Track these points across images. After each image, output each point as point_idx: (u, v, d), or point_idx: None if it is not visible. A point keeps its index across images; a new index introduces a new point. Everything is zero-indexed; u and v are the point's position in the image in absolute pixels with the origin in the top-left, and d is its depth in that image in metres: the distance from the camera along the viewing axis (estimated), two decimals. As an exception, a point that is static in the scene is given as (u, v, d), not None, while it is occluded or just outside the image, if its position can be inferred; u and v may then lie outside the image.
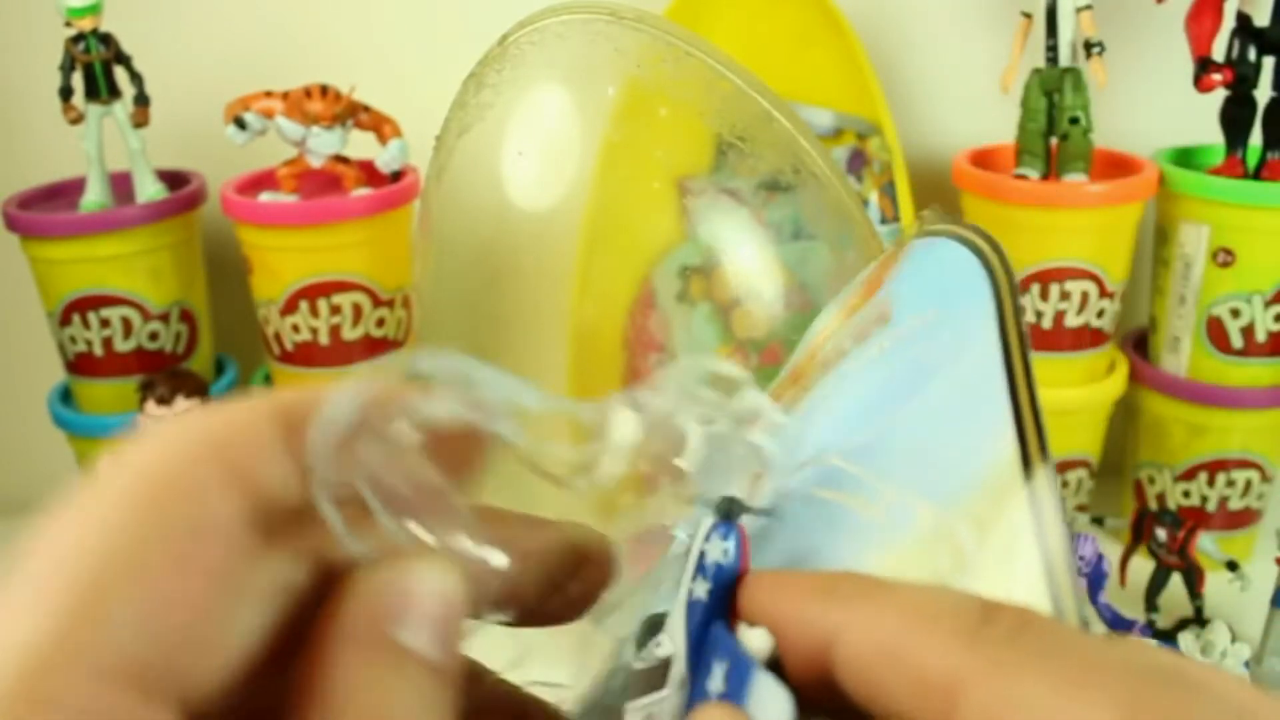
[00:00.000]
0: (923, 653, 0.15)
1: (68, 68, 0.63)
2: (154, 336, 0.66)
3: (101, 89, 0.64)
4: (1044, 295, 0.62)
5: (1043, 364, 0.63)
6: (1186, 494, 0.66)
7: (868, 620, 0.16)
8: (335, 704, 0.15)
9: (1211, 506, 0.65)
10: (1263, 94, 0.61)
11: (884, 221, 0.66)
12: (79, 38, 0.63)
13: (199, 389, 0.62)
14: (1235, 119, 0.62)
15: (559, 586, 0.19)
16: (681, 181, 0.46)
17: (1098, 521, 0.67)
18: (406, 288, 0.67)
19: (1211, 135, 0.63)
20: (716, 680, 0.17)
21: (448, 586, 0.17)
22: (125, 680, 0.14)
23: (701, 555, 0.19)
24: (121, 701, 0.13)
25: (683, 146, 0.46)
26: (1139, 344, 0.69)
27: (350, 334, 0.65)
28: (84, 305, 0.65)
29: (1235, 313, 0.62)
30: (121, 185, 0.66)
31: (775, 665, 0.17)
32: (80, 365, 0.66)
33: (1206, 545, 0.58)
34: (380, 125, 0.65)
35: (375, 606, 0.16)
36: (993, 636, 0.15)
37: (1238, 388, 0.63)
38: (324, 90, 0.63)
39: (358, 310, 0.65)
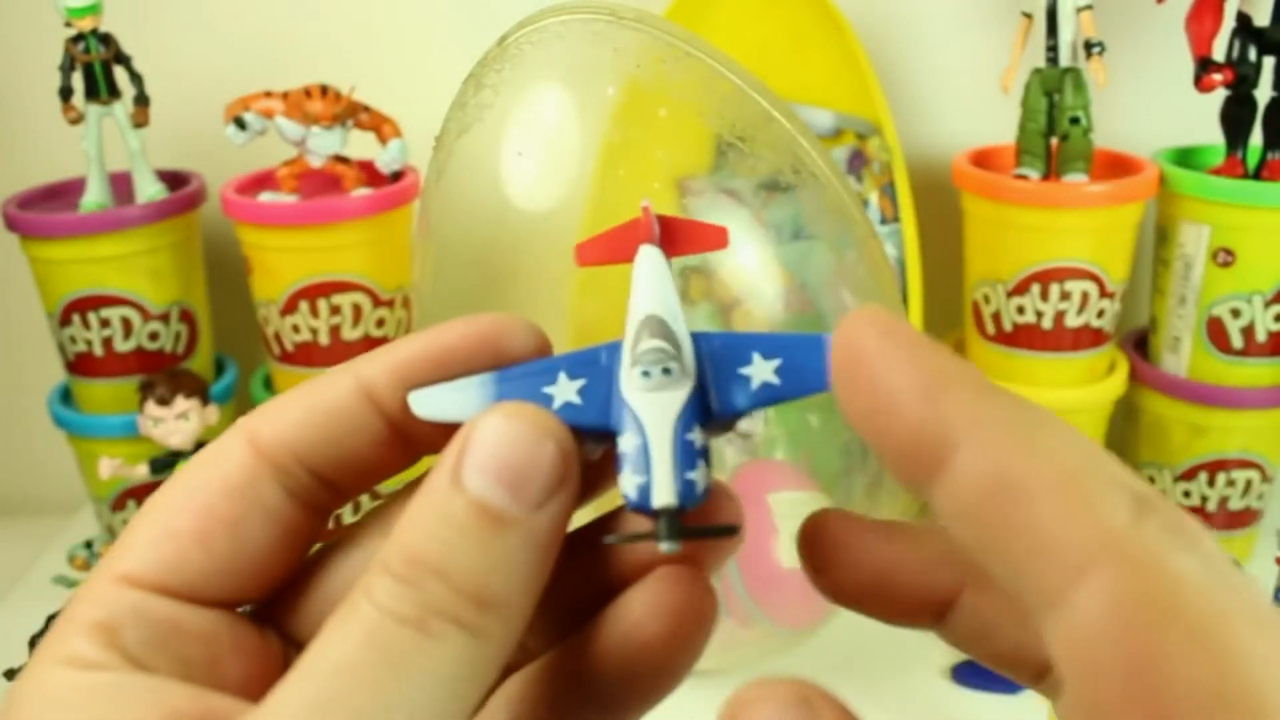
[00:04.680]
0: (1060, 525, 0.14)
1: (68, 68, 0.63)
2: (154, 336, 0.66)
3: (101, 89, 0.64)
4: (1044, 295, 0.62)
5: (1043, 364, 0.63)
6: (1187, 494, 0.66)
7: (998, 451, 0.14)
8: (389, 541, 0.16)
9: (1212, 506, 0.65)
10: (1263, 94, 0.61)
11: (884, 221, 0.66)
12: (79, 38, 0.63)
13: (199, 389, 0.62)
14: (1235, 119, 0.62)
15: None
16: (681, 181, 0.46)
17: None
18: (406, 288, 0.66)
19: (1211, 135, 0.63)
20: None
21: (512, 428, 0.16)
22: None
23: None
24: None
25: (683, 146, 0.46)
26: (1139, 344, 0.69)
27: (350, 334, 0.65)
28: (84, 305, 0.65)
29: (1235, 313, 0.62)
30: (121, 185, 0.66)
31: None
32: (80, 365, 0.66)
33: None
34: (380, 125, 0.65)
35: (451, 451, 0.16)
36: (1144, 536, 0.14)
37: (1238, 388, 0.63)
38: (324, 90, 0.63)
39: (358, 310, 0.65)
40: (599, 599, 0.19)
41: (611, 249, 0.21)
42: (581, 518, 0.20)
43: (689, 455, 0.17)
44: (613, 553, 0.19)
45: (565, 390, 0.18)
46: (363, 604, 0.15)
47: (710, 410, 0.18)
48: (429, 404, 0.18)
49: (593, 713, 0.19)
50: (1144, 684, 0.13)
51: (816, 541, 0.19)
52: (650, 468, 0.17)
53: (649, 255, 0.20)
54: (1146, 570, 0.13)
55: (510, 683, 0.20)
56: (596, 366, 0.18)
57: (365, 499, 0.59)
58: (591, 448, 0.19)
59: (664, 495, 0.17)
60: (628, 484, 0.17)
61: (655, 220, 0.20)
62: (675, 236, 0.21)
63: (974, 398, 0.15)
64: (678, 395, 0.18)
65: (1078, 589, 0.13)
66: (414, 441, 0.19)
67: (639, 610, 0.18)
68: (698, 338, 0.18)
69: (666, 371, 0.18)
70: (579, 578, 0.19)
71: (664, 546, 0.17)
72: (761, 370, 0.18)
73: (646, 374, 0.18)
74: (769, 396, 0.18)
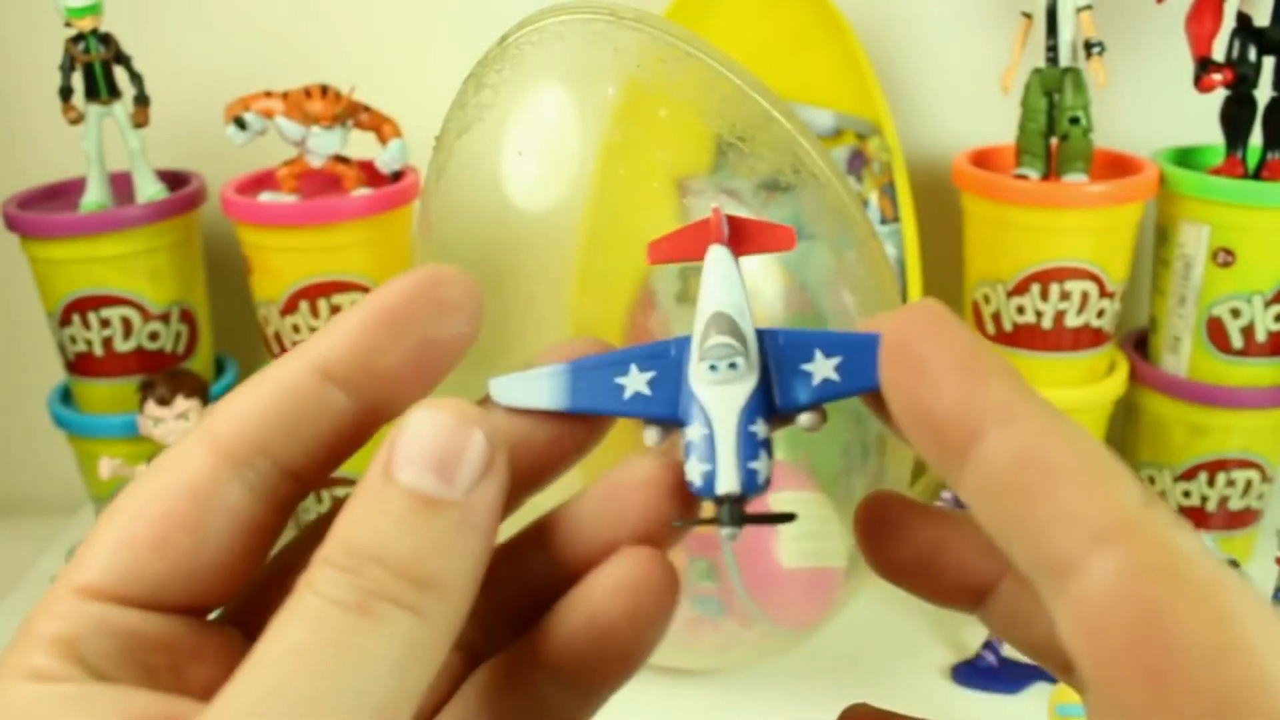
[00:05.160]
0: (1081, 499, 0.15)
1: (68, 68, 0.63)
2: (154, 336, 0.66)
3: (101, 89, 0.64)
4: (1044, 295, 0.62)
5: (1043, 364, 0.63)
6: (1187, 494, 0.66)
7: (1028, 435, 0.16)
8: (327, 538, 0.16)
9: (1212, 506, 0.65)
10: (1263, 94, 0.61)
11: (884, 221, 0.66)
12: (79, 38, 0.63)
13: (199, 389, 0.62)
14: (1235, 119, 0.62)
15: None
16: (681, 181, 0.46)
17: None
18: (406, 288, 0.66)
19: (1211, 135, 0.63)
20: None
21: (436, 420, 0.17)
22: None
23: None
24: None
25: (683, 146, 0.46)
26: (1139, 344, 0.69)
27: (350, 334, 0.65)
28: (84, 305, 0.65)
29: (1235, 313, 0.62)
30: (121, 185, 0.66)
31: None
32: (80, 365, 0.66)
33: (1207, 545, 0.58)
34: (380, 125, 0.65)
35: (382, 451, 0.17)
36: (1155, 519, 0.15)
37: (1238, 388, 0.63)
38: (324, 90, 0.63)
39: (358, 310, 0.65)
40: (562, 586, 0.19)
41: (682, 247, 0.22)
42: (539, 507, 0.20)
43: (752, 446, 0.18)
44: (575, 540, 0.20)
45: (636, 381, 0.19)
46: (305, 595, 0.16)
47: (773, 404, 0.19)
48: (510, 393, 0.20)
49: (562, 695, 0.19)
50: (1150, 636, 0.14)
51: (872, 518, 0.20)
52: (715, 457, 0.18)
53: (718, 254, 0.21)
54: (1158, 543, 0.15)
55: (480, 671, 0.20)
56: (666, 359, 0.19)
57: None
58: (658, 438, 0.20)
59: (728, 483, 0.18)
60: (694, 471, 0.19)
61: (725, 220, 0.21)
62: (743, 236, 0.21)
63: (1011, 387, 0.16)
64: (743, 389, 0.19)
65: (1092, 556, 0.14)
66: (375, 411, 0.19)
67: (602, 591, 0.19)
68: (763, 334, 0.19)
69: (732, 366, 0.19)
70: (541, 566, 0.20)
71: (725, 532, 0.18)
72: (823, 367, 0.19)
73: (713, 368, 0.19)
74: (829, 392, 0.19)
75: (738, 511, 0.18)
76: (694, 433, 0.19)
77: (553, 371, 0.19)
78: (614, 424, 0.20)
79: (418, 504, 0.16)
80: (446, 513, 0.16)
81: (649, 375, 0.19)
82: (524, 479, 0.20)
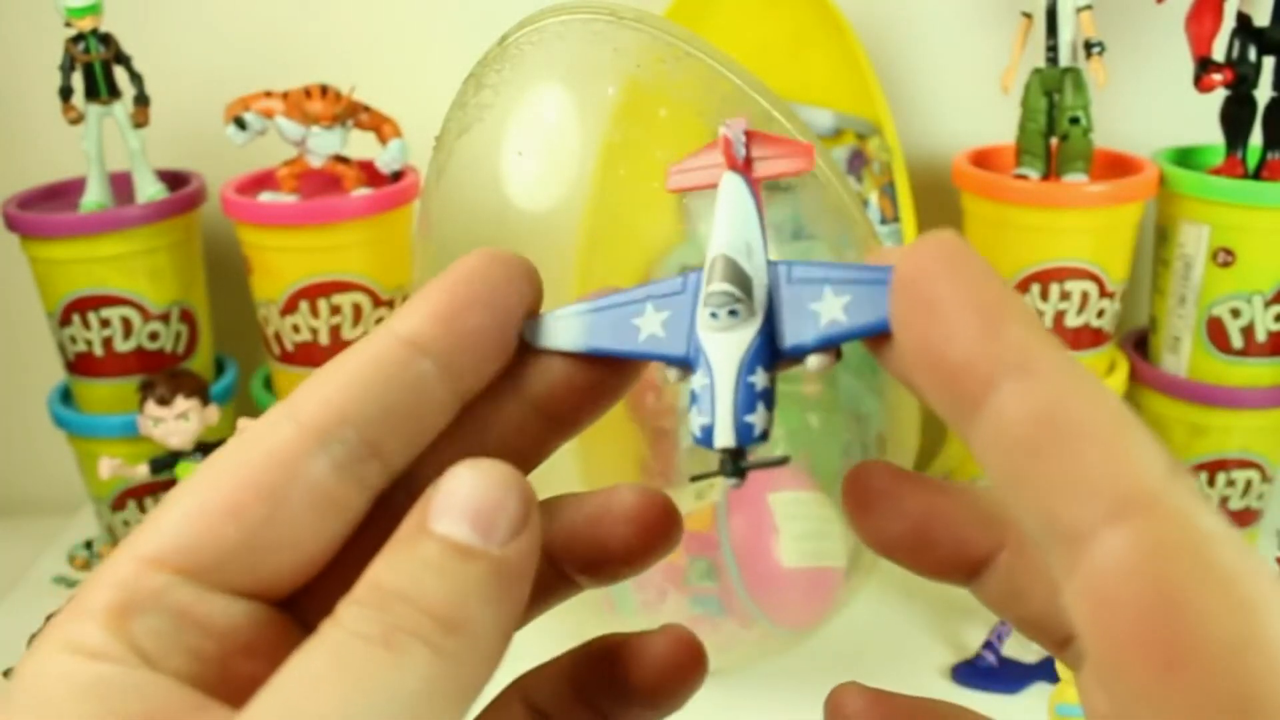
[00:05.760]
0: (1104, 465, 0.14)
1: (68, 68, 0.63)
2: (154, 336, 0.66)
3: (101, 89, 0.64)
4: (1044, 295, 0.62)
5: (1043, 364, 0.63)
6: (1186, 494, 0.66)
7: (1048, 389, 0.14)
8: (361, 584, 0.16)
9: (1211, 506, 0.65)
10: (1263, 94, 0.61)
11: (884, 221, 0.66)
12: (79, 38, 0.63)
13: (199, 389, 0.62)
14: (1235, 119, 0.62)
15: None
16: (681, 181, 0.46)
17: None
18: (406, 288, 0.66)
19: (1211, 135, 0.63)
20: None
21: (484, 478, 0.17)
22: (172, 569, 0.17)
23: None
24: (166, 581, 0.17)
25: (683, 146, 0.46)
26: (1139, 344, 0.69)
27: (350, 334, 0.65)
28: (84, 305, 0.65)
29: (1235, 313, 0.62)
30: (121, 185, 0.66)
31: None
32: (80, 365, 0.66)
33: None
34: (380, 125, 0.65)
35: (419, 506, 0.17)
36: (1179, 492, 0.14)
37: (1238, 388, 0.63)
38: (324, 90, 0.63)
39: (358, 310, 0.65)
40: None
41: (700, 177, 0.21)
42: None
43: (749, 398, 0.18)
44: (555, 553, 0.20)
45: (651, 322, 0.19)
46: (329, 630, 0.16)
47: (777, 349, 0.19)
48: (539, 333, 0.20)
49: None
50: (1166, 619, 0.13)
51: (859, 487, 0.19)
52: (715, 408, 0.18)
53: (731, 184, 0.20)
54: (1180, 521, 0.14)
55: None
56: (679, 297, 0.20)
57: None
58: (679, 374, 0.20)
59: (724, 438, 0.18)
60: (695, 423, 0.19)
61: (740, 141, 0.21)
62: (761, 156, 0.21)
63: (1031, 333, 0.15)
64: (744, 335, 0.19)
65: (1108, 528, 0.14)
66: (460, 381, 0.19)
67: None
68: (776, 266, 0.19)
69: (733, 313, 0.19)
70: None
71: (728, 482, 0.19)
72: (831, 307, 0.18)
73: (714, 315, 0.19)
74: (835, 334, 0.18)
75: (735, 463, 0.19)
76: (697, 382, 0.19)
77: (575, 311, 0.20)
78: (646, 366, 0.20)
79: (452, 552, 0.16)
80: (480, 562, 0.16)
81: (663, 315, 0.19)
82: (563, 421, 0.20)
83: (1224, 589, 0.13)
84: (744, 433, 0.18)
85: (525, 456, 0.20)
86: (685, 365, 0.19)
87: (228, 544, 0.17)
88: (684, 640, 0.21)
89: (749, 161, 0.21)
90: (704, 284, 0.19)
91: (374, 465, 0.18)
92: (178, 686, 0.16)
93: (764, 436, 0.19)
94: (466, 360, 0.18)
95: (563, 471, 0.21)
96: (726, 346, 0.19)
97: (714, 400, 0.18)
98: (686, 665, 0.21)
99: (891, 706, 0.20)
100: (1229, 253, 0.61)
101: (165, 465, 0.63)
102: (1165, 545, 0.13)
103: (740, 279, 0.19)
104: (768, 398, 0.19)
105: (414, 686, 0.15)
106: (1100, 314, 0.63)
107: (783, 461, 0.20)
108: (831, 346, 0.18)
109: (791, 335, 0.19)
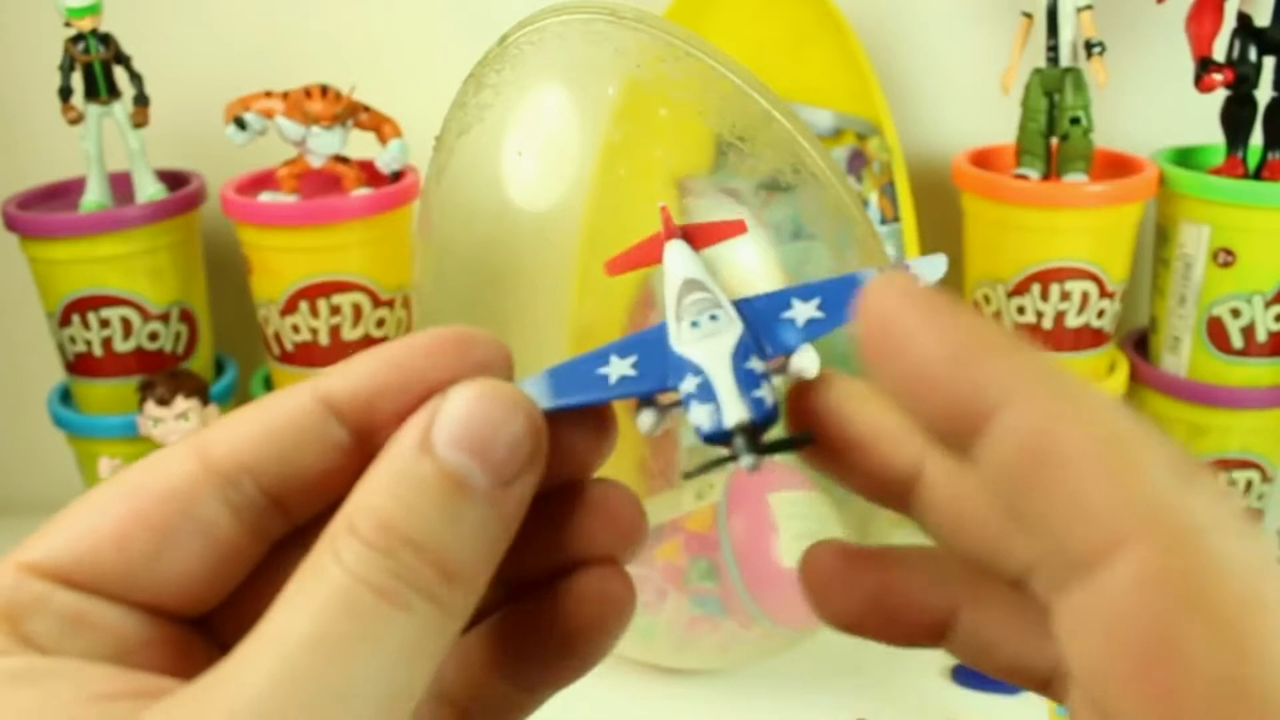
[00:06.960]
0: (1101, 492, 0.13)
1: (67, 68, 0.63)
2: (154, 336, 0.66)
3: (101, 89, 0.64)
4: (1044, 295, 0.62)
5: (1043, 364, 0.63)
6: (1187, 494, 0.66)
7: (1031, 417, 0.14)
8: (350, 501, 0.16)
9: (1212, 506, 0.65)
10: (1263, 94, 0.61)
11: (884, 221, 0.66)
12: (79, 38, 0.63)
13: (199, 389, 0.62)
14: (1235, 119, 0.62)
15: None
16: (681, 181, 0.46)
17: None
18: (406, 288, 0.66)
19: (1211, 135, 0.63)
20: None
21: (484, 403, 0.16)
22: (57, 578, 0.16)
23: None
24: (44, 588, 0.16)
25: (683, 146, 0.46)
26: (1139, 344, 0.69)
27: (350, 334, 0.65)
28: (84, 305, 0.65)
29: (1235, 313, 0.62)
30: (121, 185, 0.66)
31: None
32: (80, 365, 0.66)
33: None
34: (380, 125, 0.65)
35: (407, 425, 0.16)
36: (1185, 511, 0.13)
37: (1238, 388, 0.63)
38: (324, 90, 0.63)
39: (358, 310, 0.65)
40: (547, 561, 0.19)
41: (640, 256, 0.22)
42: None
43: (752, 378, 0.18)
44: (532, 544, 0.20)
45: (619, 367, 0.19)
46: (332, 569, 0.15)
47: (764, 351, 0.19)
48: None
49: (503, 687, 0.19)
50: (1159, 664, 0.13)
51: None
52: (717, 395, 0.18)
53: (676, 246, 0.21)
54: (1183, 547, 0.13)
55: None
56: (646, 343, 0.19)
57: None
58: (654, 423, 0.19)
59: (736, 413, 0.17)
60: (698, 416, 0.18)
61: (673, 221, 0.22)
62: (696, 235, 0.22)
63: (1008, 361, 0.14)
64: (729, 337, 0.18)
65: (1111, 559, 0.13)
66: (370, 455, 0.18)
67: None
68: (738, 303, 0.19)
69: (713, 317, 0.19)
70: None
71: (745, 462, 0.17)
72: (804, 310, 0.19)
73: (695, 324, 0.19)
74: (817, 329, 0.18)
75: (755, 440, 0.17)
76: (688, 384, 0.18)
77: (531, 381, 0.19)
78: (617, 438, 0.20)
79: (457, 489, 0.16)
80: (483, 502, 0.16)
81: (631, 359, 0.19)
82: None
83: (1222, 629, 0.13)
84: (756, 405, 0.18)
85: None
86: (665, 393, 0.19)
87: (106, 568, 0.17)
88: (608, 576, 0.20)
89: (686, 231, 0.21)
90: (675, 307, 0.19)
91: (275, 517, 0.18)
92: (98, 665, 0.16)
93: (775, 412, 0.18)
94: (382, 437, 0.17)
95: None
96: (714, 348, 0.18)
97: (714, 388, 0.18)
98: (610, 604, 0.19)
99: (860, 554, 0.20)
100: (1229, 253, 0.61)
101: (165, 465, 0.63)
102: (1162, 576, 0.13)
103: (710, 292, 0.19)
104: (769, 380, 0.18)
105: (415, 644, 0.15)
106: (1100, 314, 0.63)
107: (807, 440, 0.19)
108: (813, 339, 0.19)
109: (774, 340, 0.19)
